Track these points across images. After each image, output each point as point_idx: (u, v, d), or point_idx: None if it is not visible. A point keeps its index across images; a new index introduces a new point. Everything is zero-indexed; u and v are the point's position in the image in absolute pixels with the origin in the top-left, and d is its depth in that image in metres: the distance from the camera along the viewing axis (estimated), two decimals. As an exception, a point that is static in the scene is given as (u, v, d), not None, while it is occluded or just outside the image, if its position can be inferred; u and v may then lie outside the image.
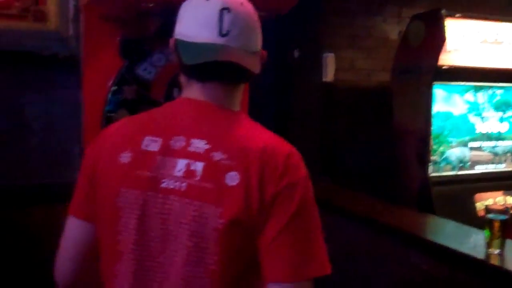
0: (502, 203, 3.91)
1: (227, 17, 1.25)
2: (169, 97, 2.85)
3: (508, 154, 4.17)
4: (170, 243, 1.19)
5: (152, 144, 1.24)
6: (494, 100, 4.07)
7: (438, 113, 3.76)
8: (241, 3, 1.30)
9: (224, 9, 1.25)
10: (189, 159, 1.20)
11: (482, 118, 4.03)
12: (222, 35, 1.24)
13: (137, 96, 2.80)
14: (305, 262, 1.17)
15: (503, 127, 4.14)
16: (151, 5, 2.36)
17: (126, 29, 2.72)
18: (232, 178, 1.16)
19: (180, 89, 2.78)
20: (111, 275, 1.25)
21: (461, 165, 3.94)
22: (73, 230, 1.36)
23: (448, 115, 3.87)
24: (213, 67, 1.26)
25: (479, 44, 3.76)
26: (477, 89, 3.96)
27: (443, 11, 3.57)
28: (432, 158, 3.77)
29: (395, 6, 4.24)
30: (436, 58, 3.60)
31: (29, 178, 3.30)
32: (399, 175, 3.94)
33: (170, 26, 2.70)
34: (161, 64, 2.84)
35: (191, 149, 1.21)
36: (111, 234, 1.25)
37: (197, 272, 1.17)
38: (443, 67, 3.64)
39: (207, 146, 1.20)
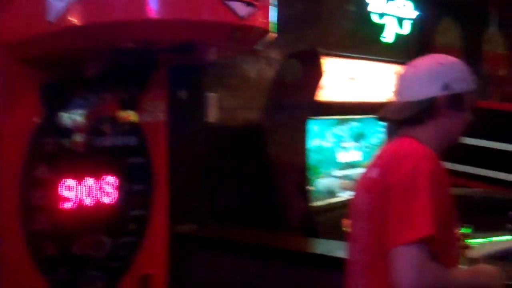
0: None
1: None
2: (90, 146, 2.55)
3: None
4: None
5: None
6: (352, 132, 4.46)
7: (312, 146, 3.95)
8: None
9: None
10: None
11: (345, 148, 4.35)
12: None
13: (57, 149, 2.46)
14: None
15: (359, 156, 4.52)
16: (131, 45, 2.09)
17: (48, 73, 2.38)
18: None
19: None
20: None
21: (331, 193, 4.17)
22: None
23: (320, 148, 4.10)
24: None
25: (343, 80, 4.03)
26: (341, 122, 4.26)
27: (320, 50, 3.78)
28: (311, 188, 3.93)
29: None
30: (313, 94, 3.77)
31: None
32: (281, 207, 4.01)
33: (119, 70, 2.44)
34: (81, 111, 2.53)
35: None
36: None
37: None
38: (317, 103, 3.82)
39: None
